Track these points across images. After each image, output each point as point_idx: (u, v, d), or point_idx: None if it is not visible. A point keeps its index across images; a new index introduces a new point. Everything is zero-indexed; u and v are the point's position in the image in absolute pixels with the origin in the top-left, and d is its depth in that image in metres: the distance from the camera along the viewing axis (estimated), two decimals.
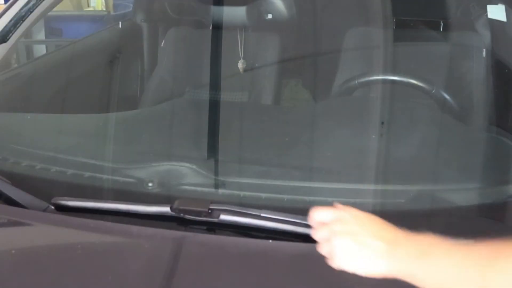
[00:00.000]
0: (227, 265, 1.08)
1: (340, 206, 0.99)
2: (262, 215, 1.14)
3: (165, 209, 1.18)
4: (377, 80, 1.86)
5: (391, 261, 0.88)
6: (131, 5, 3.39)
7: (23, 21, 1.86)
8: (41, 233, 1.23)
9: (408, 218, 1.17)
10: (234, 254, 1.11)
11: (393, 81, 1.82)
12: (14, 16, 1.85)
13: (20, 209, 1.24)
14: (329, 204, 1.31)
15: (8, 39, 1.84)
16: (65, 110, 1.92)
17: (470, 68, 1.90)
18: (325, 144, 1.53)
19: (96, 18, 4.70)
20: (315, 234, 0.98)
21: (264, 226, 1.13)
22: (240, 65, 2.12)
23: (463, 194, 1.32)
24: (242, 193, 1.35)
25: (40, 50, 4.07)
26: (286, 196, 1.31)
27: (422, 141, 1.52)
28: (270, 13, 2.12)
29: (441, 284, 0.86)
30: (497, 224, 1.24)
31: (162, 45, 2.36)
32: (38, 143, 1.64)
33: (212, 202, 1.18)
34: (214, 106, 1.72)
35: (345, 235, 0.92)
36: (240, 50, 2.12)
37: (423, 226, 1.06)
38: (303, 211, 1.05)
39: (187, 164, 1.41)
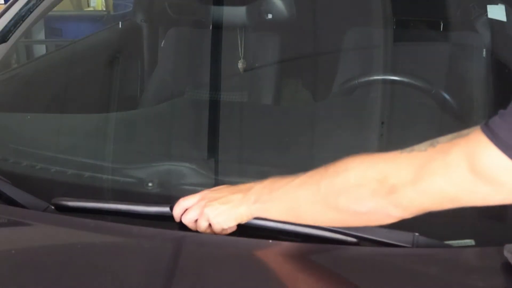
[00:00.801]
0: (227, 265, 1.08)
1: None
2: None
3: (165, 209, 1.18)
4: (377, 80, 1.86)
5: (249, 203, 1.07)
6: (131, 5, 3.39)
7: (23, 21, 1.86)
8: (41, 233, 1.23)
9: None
10: (234, 254, 1.11)
11: (393, 81, 1.82)
12: (14, 16, 1.85)
13: (20, 209, 1.24)
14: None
15: (8, 39, 1.84)
16: (65, 110, 1.92)
17: (470, 68, 1.90)
18: (325, 144, 1.53)
19: (96, 18, 4.71)
20: (188, 215, 1.13)
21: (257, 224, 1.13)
22: (240, 65, 2.12)
23: None
24: None
25: (40, 50, 4.07)
26: None
27: (422, 141, 1.52)
28: (270, 13, 2.12)
29: (290, 208, 1.05)
30: (496, 223, 1.24)
31: (162, 45, 2.36)
32: (38, 143, 1.64)
33: None
34: (214, 106, 1.72)
35: (210, 202, 1.10)
36: (240, 50, 2.12)
37: (422, 225, 1.06)
38: None
39: (187, 164, 1.41)
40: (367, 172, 0.96)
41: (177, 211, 1.15)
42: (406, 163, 0.93)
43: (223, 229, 1.11)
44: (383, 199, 0.94)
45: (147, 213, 1.21)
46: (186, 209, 1.14)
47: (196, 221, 1.12)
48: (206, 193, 1.13)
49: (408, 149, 0.95)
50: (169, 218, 1.18)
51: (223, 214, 1.09)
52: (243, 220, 1.10)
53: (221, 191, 1.12)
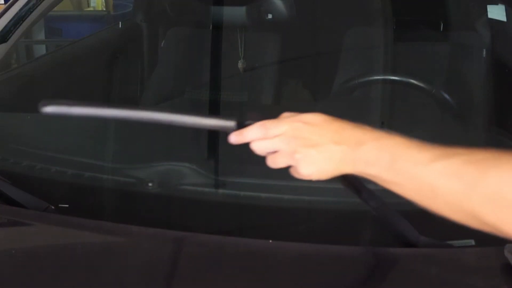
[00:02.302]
0: (227, 265, 1.08)
1: (286, 114, 0.92)
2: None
3: (229, 123, 0.93)
4: (377, 80, 1.86)
5: (357, 165, 0.86)
6: (131, 5, 3.39)
7: (23, 21, 1.86)
8: (41, 233, 1.23)
9: (408, 218, 1.17)
10: (234, 254, 1.11)
11: (393, 81, 1.82)
12: (14, 16, 1.85)
13: (20, 209, 1.24)
14: (329, 204, 1.32)
15: (8, 39, 1.84)
16: None
17: (470, 68, 1.90)
18: None
19: (96, 18, 4.71)
20: (265, 145, 0.90)
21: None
22: (240, 65, 2.12)
23: None
24: (242, 193, 1.35)
25: (40, 50, 4.07)
26: (286, 196, 1.31)
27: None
28: (270, 13, 2.12)
29: (418, 194, 0.83)
30: None
31: (162, 45, 2.36)
32: (38, 143, 1.64)
33: None
34: (214, 106, 1.72)
35: (305, 147, 0.87)
36: (240, 50, 2.12)
37: (423, 224, 1.06)
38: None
39: (187, 164, 1.41)
40: None
41: (251, 133, 0.90)
42: None
43: (307, 177, 0.89)
44: None
45: (209, 126, 0.97)
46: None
47: (272, 152, 0.89)
48: (298, 128, 0.88)
49: None
50: (169, 218, 1.18)
51: (317, 165, 0.87)
52: (341, 181, 0.91)
53: (320, 132, 0.87)
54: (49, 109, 0.94)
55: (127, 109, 0.94)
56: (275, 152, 0.88)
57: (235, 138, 0.90)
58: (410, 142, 0.83)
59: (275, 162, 0.89)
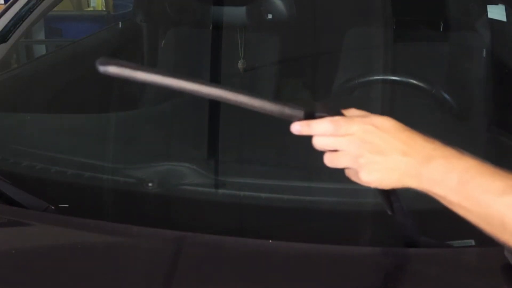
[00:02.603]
0: (227, 265, 1.08)
1: (356, 112, 0.88)
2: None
3: (297, 112, 0.87)
4: (377, 80, 1.86)
5: (422, 181, 0.81)
6: (131, 5, 3.39)
7: (23, 21, 1.86)
8: (41, 233, 1.23)
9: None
10: (234, 254, 1.11)
11: (393, 81, 1.82)
12: (14, 16, 1.85)
13: (20, 209, 1.24)
14: (329, 204, 1.32)
15: (8, 39, 1.84)
16: (65, 110, 1.92)
17: (470, 68, 1.90)
18: None
19: (96, 18, 4.71)
20: (327, 143, 0.85)
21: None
22: (240, 65, 2.12)
23: None
24: (242, 193, 1.35)
25: (40, 50, 4.07)
26: (286, 196, 1.31)
27: None
28: (270, 13, 2.12)
29: (486, 221, 0.79)
30: None
31: (162, 45, 2.36)
32: (38, 143, 1.64)
33: None
34: (214, 106, 1.71)
35: (371, 152, 0.83)
36: (240, 50, 2.12)
37: (423, 225, 1.06)
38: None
39: (187, 164, 1.41)
40: None
41: (319, 127, 0.85)
42: None
43: (366, 184, 0.85)
44: None
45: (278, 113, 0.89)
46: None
47: (332, 150, 0.85)
48: (368, 131, 0.84)
49: None
50: (169, 218, 1.18)
51: (380, 174, 0.83)
52: (406, 188, 0.85)
53: (389, 139, 0.83)
54: (110, 69, 0.81)
55: (192, 82, 0.85)
56: (336, 150, 0.85)
57: (300, 128, 0.85)
58: (482, 166, 0.80)
59: (334, 161, 0.85)
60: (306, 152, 1.55)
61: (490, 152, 1.52)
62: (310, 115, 0.85)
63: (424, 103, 1.81)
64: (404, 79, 1.80)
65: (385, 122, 0.85)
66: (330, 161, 0.86)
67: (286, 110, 0.86)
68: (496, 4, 1.91)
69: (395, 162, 0.82)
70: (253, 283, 1.03)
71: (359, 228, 1.21)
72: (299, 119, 0.85)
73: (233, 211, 1.32)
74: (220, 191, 1.37)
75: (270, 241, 1.11)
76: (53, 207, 1.23)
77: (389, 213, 0.91)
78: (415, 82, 1.80)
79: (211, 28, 2.08)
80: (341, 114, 0.87)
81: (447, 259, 1.08)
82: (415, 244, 1.08)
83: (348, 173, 0.86)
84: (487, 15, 1.95)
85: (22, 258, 1.11)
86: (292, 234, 1.13)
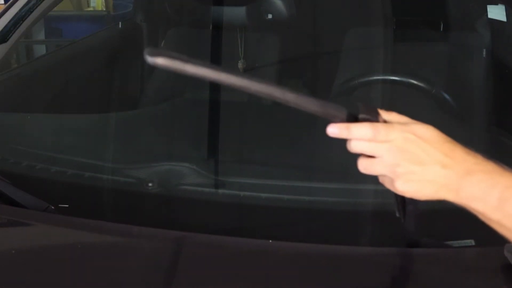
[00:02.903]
0: (227, 265, 1.08)
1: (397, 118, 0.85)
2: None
3: (340, 112, 0.84)
4: (377, 80, 1.86)
5: (461, 195, 0.79)
6: (131, 5, 3.39)
7: (23, 21, 1.86)
8: (41, 233, 1.23)
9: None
10: (234, 254, 1.11)
11: (393, 81, 1.82)
12: (14, 16, 1.85)
13: (20, 209, 1.24)
14: (329, 204, 1.32)
15: (8, 39, 1.84)
16: (65, 110, 1.92)
17: (470, 68, 1.90)
18: (325, 144, 1.52)
19: (96, 18, 4.71)
20: (366, 148, 0.82)
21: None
22: (240, 65, 2.12)
23: None
24: (242, 193, 1.35)
25: (40, 50, 4.07)
26: (286, 196, 1.31)
27: None
28: (270, 13, 2.12)
29: None
30: None
31: (162, 45, 2.36)
32: (38, 143, 1.64)
33: None
34: (214, 106, 1.72)
35: (410, 163, 0.80)
36: (240, 50, 2.12)
37: (423, 225, 1.06)
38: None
39: (187, 164, 1.41)
40: None
41: (359, 131, 0.82)
42: None
43: (401, 193, 0.83)
44: None
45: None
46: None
47: (369, 156, 0.82)
48: (408, 139, 0.81)
49: None
50: (168, 218, 1.18)
51: (417, 185, 0.80)
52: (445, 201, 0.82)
53: (430, 150, 0.80)
54: (159, 60, 0.75)
55: (242, 77, 0.82)
56: (373, 156, 0.82)
57: (339, 131, 0.82)
58: None
59: (369, 168, 0.82)
60: (306, 152, 1.55)
61: (490, 152, 1.52)
62: (353, 117, 0.83)
63: (424, 103, 1.81)
64: (404, 79, 1.80)
65: (427, 132, 0.82)
66: (364, 167, 0.83)
67: (330, 110, 0.84)
68: (496, 4, 1.91)
69: (434, 173, 0.79)
70: (253, 283, 1.03)
71: (359, 228, 1.21)
72: (341, 120, 0.83)
73: (233, 211, 1.32)
74: (220, 191, 1.37)
75: (270, 241, 1.11)
76: (53, 207, 1.23)
77: (397, 215, 0.90)
78: (415, 82, 1.80)
79: (211, 28, 2.08)
80: (381, 117, 0.85)
81: (447, 259, 1.08)
82: (416, 244, 1.08)
83: (383, 180, 0.83)
84: (487, 15, 1.95)
85: (22, 258, 1.11)
86: (292, 234, 1.13)
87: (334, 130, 0.82)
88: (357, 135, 0.81)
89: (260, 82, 0.83)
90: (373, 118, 0.83)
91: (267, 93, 0.84)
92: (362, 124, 0.81)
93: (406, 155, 0.80)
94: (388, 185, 0.82)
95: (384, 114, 0.85)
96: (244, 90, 0.82)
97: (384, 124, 0.82)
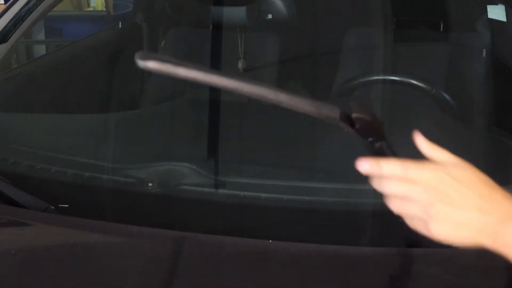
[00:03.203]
0: (227, 265, 1.08)
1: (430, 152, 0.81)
2: None
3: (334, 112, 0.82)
4: (377, 80, 1.86)
5: (498, 240, 0.75)
6: (131, 5, 3.39)
7: (23, 21, 1.86)
8: (41, 233, 1.23)
9: None
10: (234, 254, 1.11)
11: (393, 81, 1.82)
12: (14, 16, 1.85)
13: (20, 209, 1.24)
14: (329, 204, 1.32)
15: (8, 39, 1.84)
16: (65, 110, 1.92)
17: (470, 68, 1.90)
18: (325, 144, 1.53)
19: (96, 18, 4.71)
20: (397, 189, 0.78)
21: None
22: (240, 65, 2.12)
23: None
24: (242, 193, 1.35)
25: (40, 50, 4.07)
26: (286, 196, 1.31)
27: None
28: (270, 13, 2.12)
29: None
30: None
31: (162, 45, 2.36)
32: (38, 143, 1.64)
33: None
34: (214, 106, 1.72)
35: (444, 203, 0.75)
36: (240, 50, 2.12)
37: None
38: None
39: (187, 164, 1.41)
40: None
41: (388, 168, 0.78)
42: None
43: (437, 238, 0.78)
44: None
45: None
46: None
47: (400, 196, 0.78)
48: (443, 180, 0.76)
49: None
50: (169, 218, 1.17)
51: (452, 228, 0.77)
52: (473, 247, 0.79)
53: (466, 192, 0.76)
54: (149, 64, 0.75)
55: (234, 80, 0.81)
56: (405, 197, 0.77)
57: (370, 167, 0.78)
58: None
59: (402, 208, 0.78)
60: (306, 152, 1.55)
61: (490, 152, 1.52)
62: (346, 116, 0.81)
63: (424, 103, 1.81)
64: (404, 79, 1.80)
65: (464, 174, 0.77)
66: (397, 207, 0.78)
67: (324, 110, 0.83)
68: (496, 4, 1.91)
69: (470, 218, 0.75)
70: (253, 283, 1.03)
71: (359, 228, 1.21)
72: (335, 120, 0.81)
73: (233, 211, 1.32)
74: (220, 191, 1.37)
75: (270, 241, 1.11)
76: (53, 207, 1.24)
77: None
78: (415, 82, 1.80)
79: (211, 28, 2.08)
80: (375, 115, 0.83)
81: (447, 259, 1.08)
82: (416, 244, 1.08)
83: (417, 224, 0.78)
84: (487, 15, 1.95)
85: (22, 258, 1.12)
86: (292, 234, 1.13)
87: (365, 166, 0.78)
88: (387, 172, 0.77)
89: (252, 84, 0.83)
90: (367, 116, 0.82)
91: (260, 94, 0.84)
92: (390, 160, 0.78)
93: (440, 196, 0.76)
94: (421, 228, 0.78)
95: (434, 152, 0.81)
96: (236, 91, 0.82)
97: (414, 162, 0.78)
